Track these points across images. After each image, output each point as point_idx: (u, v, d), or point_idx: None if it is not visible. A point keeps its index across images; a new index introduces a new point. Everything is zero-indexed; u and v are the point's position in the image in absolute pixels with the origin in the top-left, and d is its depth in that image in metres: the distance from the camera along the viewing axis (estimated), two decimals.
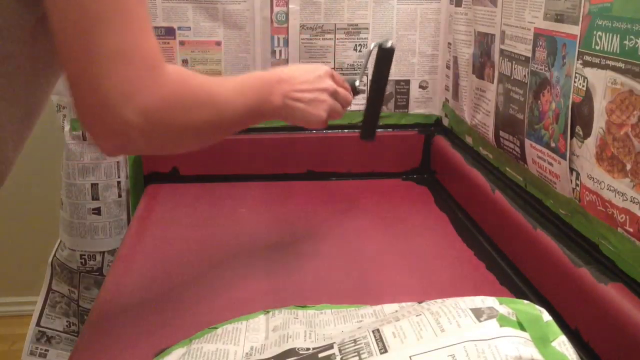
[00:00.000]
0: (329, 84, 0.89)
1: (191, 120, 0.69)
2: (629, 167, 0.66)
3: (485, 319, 0.57)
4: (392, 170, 1.33)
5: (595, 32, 0.72)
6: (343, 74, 1.00)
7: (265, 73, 0.83)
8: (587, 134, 0.74)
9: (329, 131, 1.25)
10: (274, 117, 0.83)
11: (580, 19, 0.75)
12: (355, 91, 0.98)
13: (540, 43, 0.85)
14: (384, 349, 0.57)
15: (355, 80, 0.98)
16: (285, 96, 0.83)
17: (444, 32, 1.29)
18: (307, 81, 0.86)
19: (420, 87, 1.33)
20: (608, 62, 0.69)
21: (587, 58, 0.73)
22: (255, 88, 0.79)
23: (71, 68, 0.63)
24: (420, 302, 0.67)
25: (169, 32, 1.24)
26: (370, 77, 1.04)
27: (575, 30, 0.76)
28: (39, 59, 0.68)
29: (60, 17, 0.62)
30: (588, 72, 0.73)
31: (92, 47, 0.61)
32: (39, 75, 0.70)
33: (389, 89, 1.32)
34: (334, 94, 0.89)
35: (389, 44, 1.02)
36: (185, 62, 1.25)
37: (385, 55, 1.03)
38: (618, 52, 0.67)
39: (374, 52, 1.03)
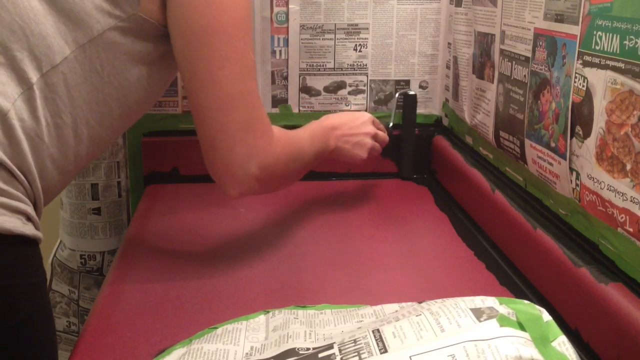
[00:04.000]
0: (370, 128, 1.10)
1: (290, 169, 0.90)
2: (629, 167, 0.66)
3: (485, 319, 0.57)
4: (392, 170, 1.33)
5: (595, 32, 0.72)
6: (378, 117, 1.20)
7: (323, 122, 1.03)
8: (587, 134, 0.74)
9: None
10: (329, 157, 1.04)
11: (580, 19, 0.75)
12: (389, 131, 1.20)
13: (540, 43, 0.85)
14: (384, 349, 0.57)
15: (389, 123, 1.25)
16: (338, 140, 1.04)
17: (444, 32, 1.29)
18: (354, 127, 1.07)
19: (420, 87, 1.33)
20: (608, 62, 0.69)
21: (587, 58, 0.73)
22: (319, 137, 1.00)
23: (206, 133, 0.81)
24: (420, 302, 0.67)
25: None
26: (393, 120, 1.28)
27: (575, 30, 0.76)
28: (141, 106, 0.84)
29: (198, 94, 0.79)
30: (588, 72, 0.73)
31: (226, 120, 0.80)
32: (130, 121, 0.85)
33: (389, 89, 1.32)
34: (374, 137, 1.11)
35: (411, 92, 1.30)
36: None
37: (410, 101, 1.29)
38: (618, 52, 0.67)
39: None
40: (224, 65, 0.78)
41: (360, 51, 1.29)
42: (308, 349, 0.62)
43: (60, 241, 1.32)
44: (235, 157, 0.81)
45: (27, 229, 0.68)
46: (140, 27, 0.76)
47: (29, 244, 0.69)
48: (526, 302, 0.61)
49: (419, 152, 1.33)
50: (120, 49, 0.75)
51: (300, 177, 0.97)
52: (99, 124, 0.77)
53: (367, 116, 1.11)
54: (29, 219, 0.69)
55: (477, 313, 0.58)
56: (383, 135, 1.14)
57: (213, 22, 0.77)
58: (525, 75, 0.91)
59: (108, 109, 0.77)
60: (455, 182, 1.21)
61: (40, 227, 0.72)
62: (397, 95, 1.30)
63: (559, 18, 0.80)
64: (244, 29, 0.80)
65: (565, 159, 0.79)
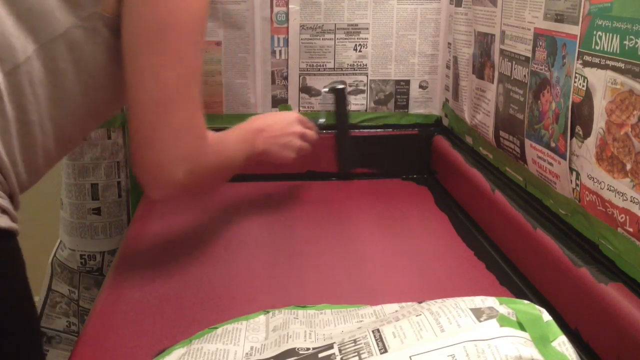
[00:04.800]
0: (298, 128, 1.09)
1: (216, 176, 0.89)
2: (629, 167, 0.66)
3: (485, 319, 0.57)
4: (392, 170, 1.33)
5: (595, 32, 0.72)
6: (310, 114, 1.21)
7: (250, 125, 1.02)
8: (587, 134, 0.74)
9: (330, 132, 1.25)
10: (257, 159, 1.02)
11: (580, 19, 0.75)
12: (321, 127, 1.18)
13: (540, 43, 0.86)
14: (384, 349, 0.57)
15: (318, 120, 1.19)
16: (265, 142, 1.02)
17: (444, 32, 1.29)
18: (281, 128, 1.07)
19: (420, 87, 1.33)
20: (608, 62, 0.69)
21: (587, 58, 0.73)
22: (246, 140, 0.98)
23: (141, 131, 0.78)
24: (420, 302, 0.67)
25: None
26: (324, 116, 1.24)
27: (575, 30, 0.76)
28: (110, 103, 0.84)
29: (139, 88, 0.76)
30: (588, 72, 0.73)
31: (165, 120, 0.76)
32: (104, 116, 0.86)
33: (389, 89, 1.32)
34: (302, 136, 1.10)
35: (339, 85, 1.25)
36: None
37: (339, 95, 1.25)
38: (618, 52, 0.67)
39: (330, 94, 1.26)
40: (172, 63, 0.76)
41: (360, 51, 1.29)
42: (308, 349, 0.62)
43: (60, 241, 1.32)
44: (167, 158, 0.78)
45: (2, 221, 0.68)
46: (102, 24, 0.75)
47: (5, 236, 0.69)
48: (526, 302, 0.61)
49: (418, 152, 1.34)
50: (83, 47, 0.74)
51: (224, 183, 0.95)
52: (65, 121, 0.76)
53: (294, 116, 1.11)
54: (4, 211, 0.70)
55: (477, 313, 0.58)
56: (311, 133, 1.13)
57: (169, 18, 0.75)
58: (525, 75, 0.91)
59: (74, 107, 0.76)
60: (455, 182, 1.21)
61: (17, 220, 0.72)
62: (323, 90, 1.28)
63: (559, 18, 0.80)
64: (199, 30, 0.78)
65: (565, 159, 0.79)
